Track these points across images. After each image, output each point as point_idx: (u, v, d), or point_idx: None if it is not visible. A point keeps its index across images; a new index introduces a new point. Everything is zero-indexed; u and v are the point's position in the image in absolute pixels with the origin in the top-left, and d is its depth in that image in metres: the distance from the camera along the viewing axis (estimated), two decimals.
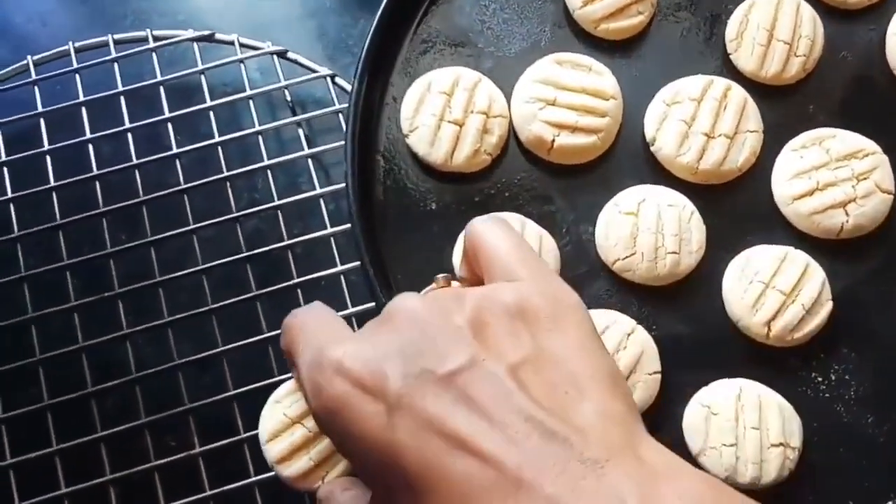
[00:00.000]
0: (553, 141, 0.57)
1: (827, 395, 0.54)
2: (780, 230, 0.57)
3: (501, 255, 0.42)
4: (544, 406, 0.35)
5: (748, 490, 0.50)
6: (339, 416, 0.38)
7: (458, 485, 0.34)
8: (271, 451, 0.54)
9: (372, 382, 0.37)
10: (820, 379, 0.54)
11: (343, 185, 0.61)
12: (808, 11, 0.60)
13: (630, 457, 0.35)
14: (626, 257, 0.55)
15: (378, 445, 0.36)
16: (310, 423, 0.53)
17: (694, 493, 0.34)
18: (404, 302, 0.40)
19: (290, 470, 0.53)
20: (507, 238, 0.43)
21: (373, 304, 0.58)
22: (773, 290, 0.54)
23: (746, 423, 0.52)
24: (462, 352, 0.37)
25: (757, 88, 0.59)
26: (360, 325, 0.58)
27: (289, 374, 0.58)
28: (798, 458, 0.52)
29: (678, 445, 0.53)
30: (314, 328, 0.42)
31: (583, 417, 0.35)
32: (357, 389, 0.37)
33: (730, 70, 0.60)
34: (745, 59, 0.60)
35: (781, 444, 0.51)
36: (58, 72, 0.66)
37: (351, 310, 0.60)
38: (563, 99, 0.58)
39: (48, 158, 0.63)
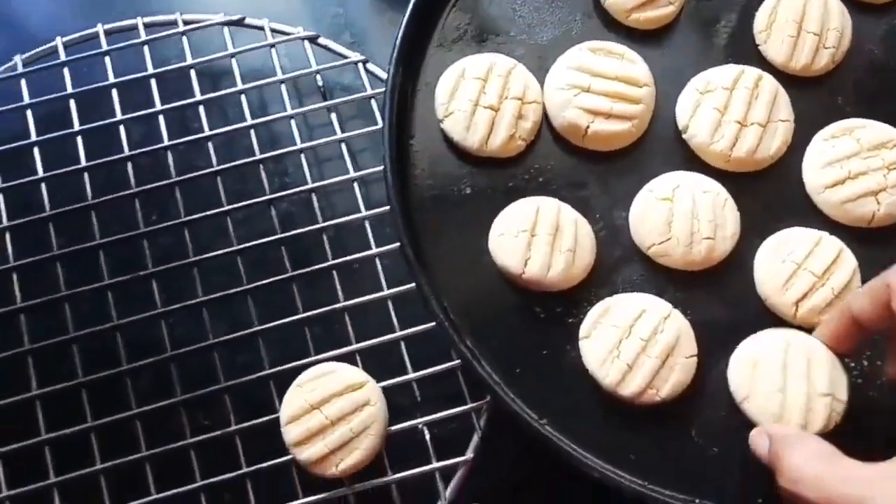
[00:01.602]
0: (587, 127, 0.58)
1: (860, 380, 0.54)
2: (812, 218, 0.58)
3: None
4: None
5: None
6: None
7: None
8: (289, 433, 0.55)
9: None
10: (853, 365, 0.54)
11: (374, 169, 0.62)
12: (837, 4, 0.61)
13: None
14: (662, 242, 0.56)
15: None
16: (328, 409, 0.54)
17: None
18: None
19: (306, 454, 0.54)
20: None
21: (410, 285, 0.59)
22: (805, 271, 0.55)
23: (794, 371, 0.52)
24: None
25: (785, 79, 0.60)
26: (396, 307, 0.59)
27: (319, 357, 0.58)
28: (844, 413, 0.52)
29: (723, 395, 0.54)
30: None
31: None
32: None
33: (759, 61, 0.61)
34: (774, 50, 0.61)
35: (829, 394, 0.52)
36: (87, 53, 0.66)
37: (386, 292, 0.60)
38: (597, 86, 0.58)
39: (79, 139, 0.63)
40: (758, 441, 0.49)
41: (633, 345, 0.53)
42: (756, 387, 0.53)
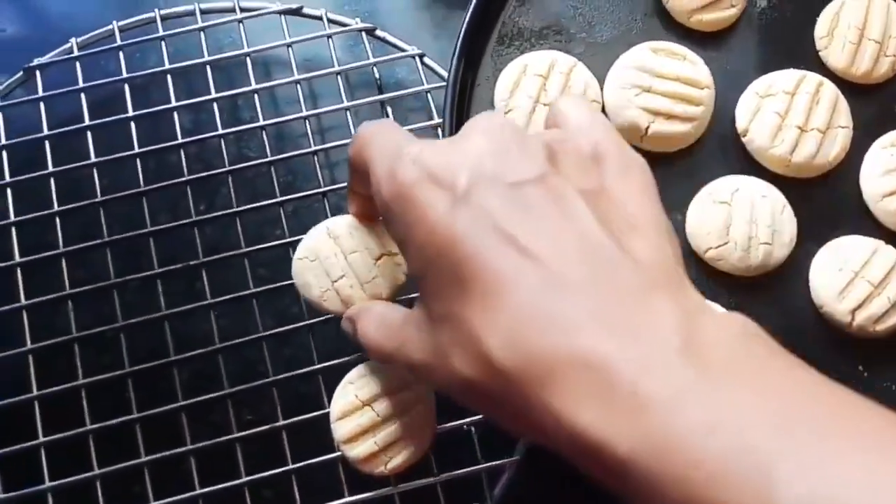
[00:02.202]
0: (648, 128, 0.57)
1: None
2: (869, 226, 0.58)
3: (574, 116, 0.44)
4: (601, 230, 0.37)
5: None
6: (407, 202, 0.39)
7: (503, 276, 0.36)
8: (339, 430, 0.54)
9: (443, 175, 0.38)
10: None
11: None
12: None
13: (675, 289, 0.37)
14: (719, 246, 0.56)
15: (437, 232, 0.37)
16: (378, 407, 0.53)
17: (730, 323, 0.36)
18: (483, 118, 0.42)
19: (355, 451, 0.53)
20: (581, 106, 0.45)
21: None
22: (862, 279, 0.55)
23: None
24: (534, 167, 0.38)
25: (845, 86, 0.60)
26: None
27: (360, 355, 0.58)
28: None
29: None
30: (390, 131, 0.44)
31: (636, 250, 0.37)
32: (429, 181, 0.38)
33: (818, 66, 0.61)
34: (835, 57, 0.60)
35: None
36: (143, 38, 0.65)
37: None
38: (658, 86, 0.58)
39: (132, 125, 0.63)
40: (345, 326, 0.50)
41: None
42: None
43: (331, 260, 0.54)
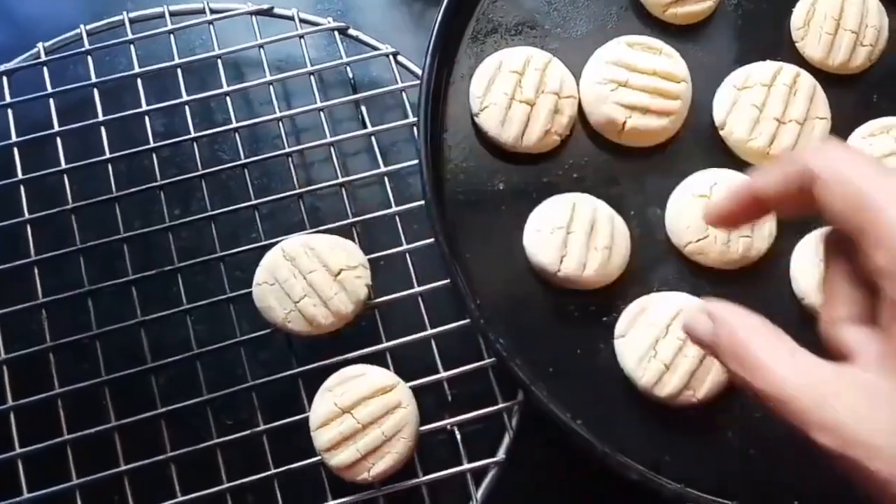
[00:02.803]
0: (625, 123, 0.57)
1: None
2: None
3: None
4: None
5: None
6: None
7: None
8: (320, 438, 0.53)
9: None
10: None
11: (404, 164, 0.61)
12: (874, 2, 0.60)
13: None
14: (699, 240, 0.55)
15: None
16: (359, 413, 0.53)
17: None
18: None
19: (337, 459, 0.53)
20: None
21: (445, 281, 0.58)
22: None
23: None
24: None
25: (822, 76, 0.60)
26: (426, 305, 0.58)
27: (349, 356, 0.57)
28: None
29: None
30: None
31: None
32: None
33: (795, 58, 0.60)
34: (811, 48, 0.60)
35: None
36: (112, 42, 0.65)
37: (417, 289, 0.59)
38: (635, 81, 0.57)
39: (103, 130, 0.62)
40: (698, 321, 0.41)
41: (670, 344, 0.53)
42: None
43: (290, 282, 0.54)
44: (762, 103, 0.57)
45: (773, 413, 0.35)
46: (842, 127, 0.59)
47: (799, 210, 0.39)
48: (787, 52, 0.61)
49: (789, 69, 0.58)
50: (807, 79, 0.58)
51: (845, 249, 0.37)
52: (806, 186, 0.37)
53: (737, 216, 0.42)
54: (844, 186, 0.35)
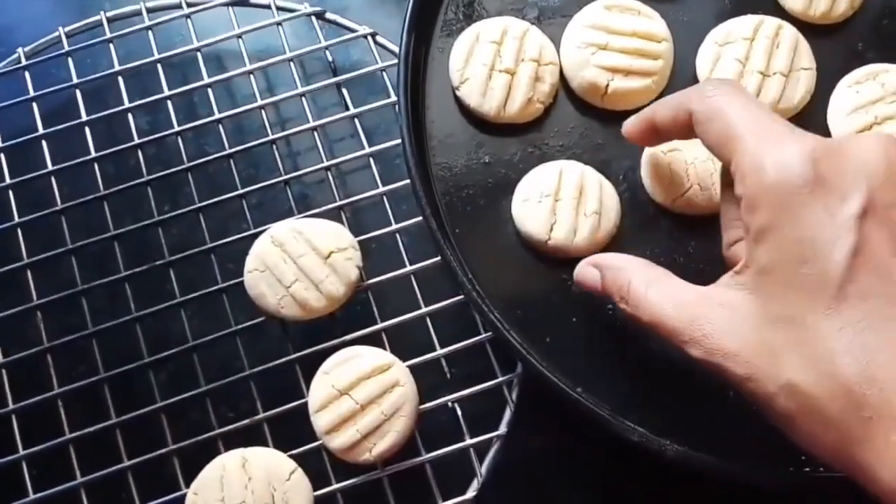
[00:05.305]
0: (607, 86, 0.56)
1: None
2: None
3: None
4: None
5: None
6: None
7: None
8: (319, 421, 0.53)
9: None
10: None
11: (389, 144, 0.61)
12: None
13: None
14: (684, 193, 0.54)
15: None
16: (357, 394, 0.53)
17: None
18: None
19: (337, 441, 0.53)
20: None
21: (436, 258, 0.58)
22: None
23: None
24: None
25: (805, 27, 0.59)
26: (419, 284, 0.58)
27: (345, 339, 0.57)
28: None
29: None
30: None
31: None
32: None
33: (776, 10, 0.60)
34: (792, 0, 0.59)
35: None
36: (91, 42, 0.65)
37: (410, 268, 0.59)
38: (615, 43, 0.57)
39: (87, 130, 0.62)
40: (586, 272, 0.49)
41: None
42: None
43: (280, 267, 0.54)
44: (745, 57, 0.57)
45: (659, 337, 0.41)
46: (828, 76, 0.58)
47: (692, 138, 0.45)
48: (769, 5, 0.60)
49: (771, 22, 0.58)
50: (789, 30, 0.58)
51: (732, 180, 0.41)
52: (690, 123, 0.43)
53: (641, 139, 0.50)
54: (715, 122, 0.41)
